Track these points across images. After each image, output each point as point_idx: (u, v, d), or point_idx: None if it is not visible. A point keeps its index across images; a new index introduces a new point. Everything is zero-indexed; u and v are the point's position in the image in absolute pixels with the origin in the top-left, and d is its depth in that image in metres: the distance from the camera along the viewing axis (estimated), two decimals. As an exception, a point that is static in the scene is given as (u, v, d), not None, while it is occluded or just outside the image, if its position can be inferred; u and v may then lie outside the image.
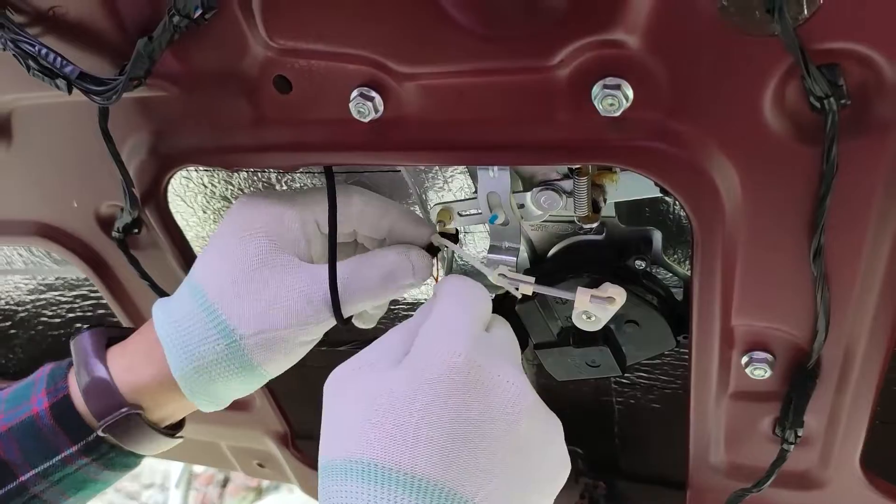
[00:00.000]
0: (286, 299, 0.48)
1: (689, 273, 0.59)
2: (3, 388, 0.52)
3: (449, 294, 0.45)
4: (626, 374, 0.77)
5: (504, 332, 0.46)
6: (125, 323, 0.76)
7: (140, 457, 0.53)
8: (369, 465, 0.37)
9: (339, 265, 0.49)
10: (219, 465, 0.98)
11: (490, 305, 0.46)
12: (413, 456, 0.37)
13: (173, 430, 0.55)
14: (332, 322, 0.50)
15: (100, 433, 0.50)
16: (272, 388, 0.78)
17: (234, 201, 0.53)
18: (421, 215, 0.62)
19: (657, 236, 0.57)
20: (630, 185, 0.51)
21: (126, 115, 0.53)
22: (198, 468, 3.01)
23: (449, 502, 0.37)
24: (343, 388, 0.42)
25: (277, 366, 0.50)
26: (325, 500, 0.38)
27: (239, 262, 0.48)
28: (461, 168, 0.59)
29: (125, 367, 0.51)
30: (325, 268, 0.49)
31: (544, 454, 0.42)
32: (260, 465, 0.91)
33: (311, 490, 0.89)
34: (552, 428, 0.43)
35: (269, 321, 0.48)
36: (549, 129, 0.42)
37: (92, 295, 0.96)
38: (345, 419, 0.40)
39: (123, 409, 0.49)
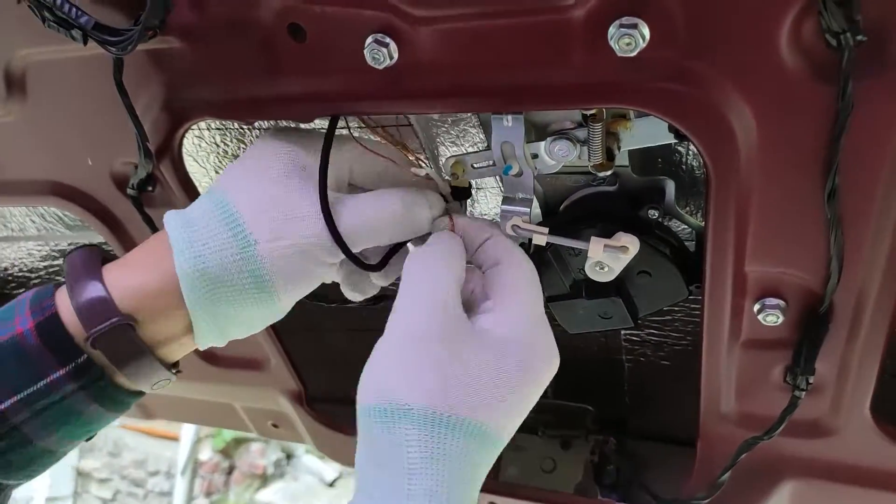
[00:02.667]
0: (308, 211, 0.47)
1: (701, 223, 0.59)
2: None
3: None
4: (636, 332, 0.77)
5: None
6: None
7: (133, 396, 0.49)
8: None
9: (357, 196, 0.50)
10: (233, 426, 1.00)
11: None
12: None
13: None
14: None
15: (89, 347, 0.45)
16: (286, 347, 0.79)
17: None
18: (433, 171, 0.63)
19: (670, 186, 0.57)
20: (644, 133, 0.51)
21: (140, 69, 0.53)
22: (203, 456, 3.03)
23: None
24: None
25: (288, 289, 0.48)
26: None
27: (265, 174, 0.48)
28: (473, 122, 0.59)
29: (122, 274, 0.47)
30: (350, 197, 0.49)
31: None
32: (274, 426, 0.93)
33: (325, 448, 0.90)
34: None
35: (288, 229, 0.46)
36: (566, 71, 0.42)
37: (104, 261, 0.96)
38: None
39: (115, 319, 0.45)
